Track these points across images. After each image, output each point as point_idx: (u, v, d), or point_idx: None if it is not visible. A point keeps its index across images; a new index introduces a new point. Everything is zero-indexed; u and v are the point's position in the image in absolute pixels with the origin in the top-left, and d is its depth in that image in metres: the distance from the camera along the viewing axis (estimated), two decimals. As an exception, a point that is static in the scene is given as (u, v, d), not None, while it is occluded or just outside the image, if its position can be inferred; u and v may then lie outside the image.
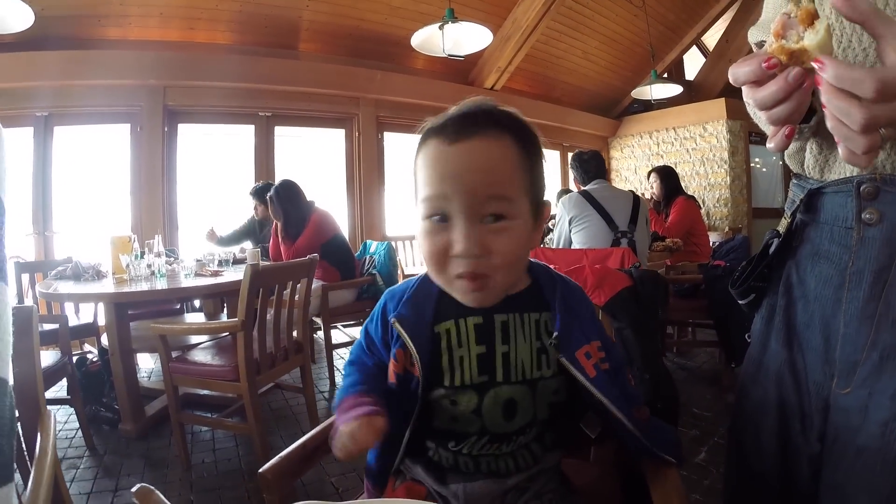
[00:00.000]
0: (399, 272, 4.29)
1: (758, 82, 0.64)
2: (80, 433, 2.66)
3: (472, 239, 0.73)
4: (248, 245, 4.59)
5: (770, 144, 0.70)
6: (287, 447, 0.89)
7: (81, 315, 3.59)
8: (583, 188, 3.20)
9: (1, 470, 0.42)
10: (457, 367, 0.83)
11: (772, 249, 0.90)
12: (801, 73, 0.61)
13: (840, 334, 0.77)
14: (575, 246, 3.04)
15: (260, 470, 0.87)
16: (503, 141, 0.77)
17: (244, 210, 4.80)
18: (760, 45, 0.94)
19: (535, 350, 0.83)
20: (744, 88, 0.68)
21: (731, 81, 0.68)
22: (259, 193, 4.51)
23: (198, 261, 3.29)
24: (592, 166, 3.20)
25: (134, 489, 0.48)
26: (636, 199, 3.11)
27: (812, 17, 0.60)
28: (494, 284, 0.78)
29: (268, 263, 2.44)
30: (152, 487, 0.47)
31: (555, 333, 0.81)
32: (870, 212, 0.74)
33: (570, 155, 7.69)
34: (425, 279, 0.88)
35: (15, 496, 0.44)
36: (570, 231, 3.07)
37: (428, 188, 0.76)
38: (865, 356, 0.74)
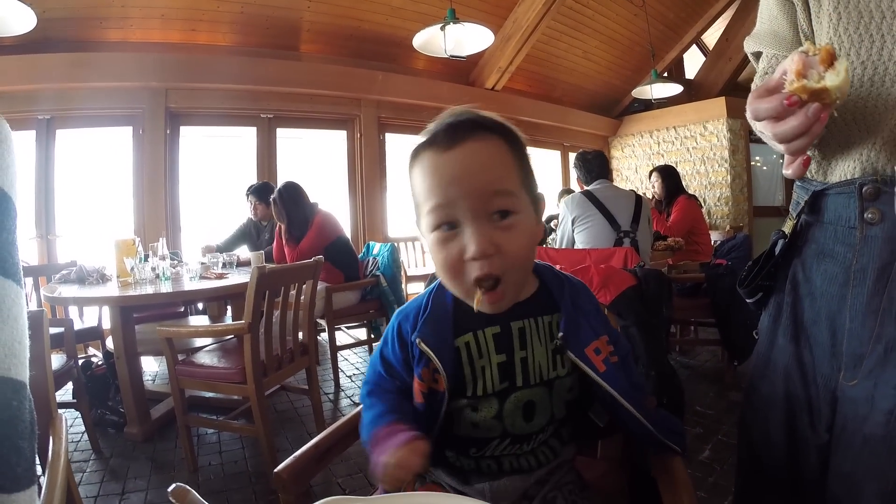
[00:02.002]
0: (402, 274, 4.30)
1: (777, 117, 0.69)
2: (85, 437, 2.67)
3: (484, 238, 0.73)
4: (244, 249, 4.47)
5: (787, 171, 0.75)
6: (293, 449, 0.90)
7: (85, 319, 3.60)
8: (586, 188, 3.21)
9: (24, 473, 0.42)
10: (479, 378, 0.84)
11: (778, 249, 0.92)
12: (819, 109, 0.65)
13: (846, 329, 0.80)
14: (578, 246, 3.05)
15: (276, 469, 0.88)
16: (493, 140, 0.77)
17: (245, 213, 4.71)
18: (757, 55, 0.98)
19: (550, 351, 0.85)
20: (760, 122, 0.72)
21: (749, 117, 0.72)
22: (258, 192, 4.44)
23: (202, 263, 3.30)
24: (596, 166, 3.21)
25: (170, 489, 0.48)
26: (638, 199, 3.13)
27: (832, 58, 0.62)
28: (507, 287, 0.78)
29: (274, 266, 2.45)
30: (188, 487, 0.48)
31: (559, 334, 0.84)
32: (871, 211, 0.77)
33: (570, 155, 7.75)
34: (437, 294, 0.89)
35: (37, 499, 0.45)
36: (574, 231, 3.08)
37: (433, 198, 0.76)
38: (871, 349, 0.77)
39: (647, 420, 0.84)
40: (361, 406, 0.94)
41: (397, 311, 0.94)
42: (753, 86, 0.96)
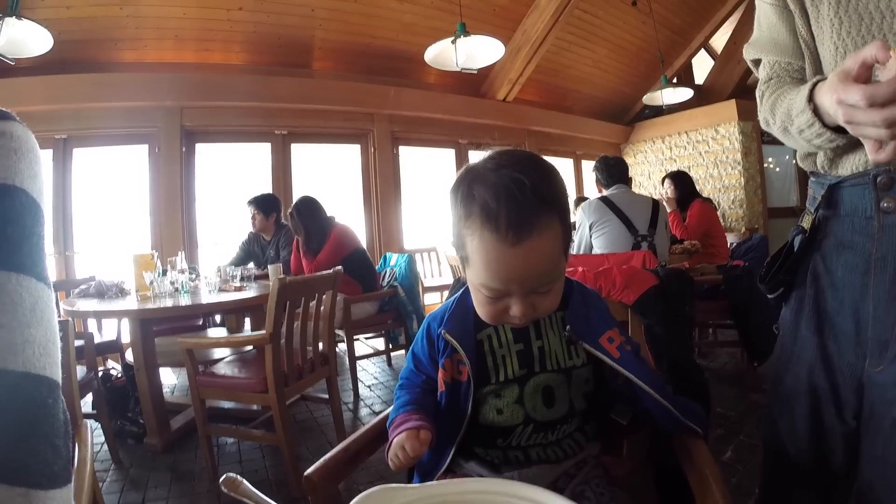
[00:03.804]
0: (419, 284, 4.30)
1: (884, 102, 0.64)
2: (105, 447, 2.68)
3: (529, 307, 0.81)
4: (252, 266, 4.28)
5: (881, 157, 0.69)
6: (314, 458, 0.91)
7: (104, 333, 3.63)
8: (603, 193, 3.21)
9: (60, 471, 0.42)
10: (500, 366, 0.93)
11: (797, 244, 0.95)
12: None
13: (870, 316, 0.82)
14: (595, 251, 3.05)
15: (306, 473, 0.88)
16: (553, 226, 0.79)
17: (245, 229, 4.57)
18: (756, 62, 1.01)
19: (565, 342, 0.93)
20: (861, 110, 0.66)
21: (864, 102, 0.65)
22: (259, 202, 4.34)
23: (220, 277, 3.32)
24: (617, 171, 3.22)
25: (222, 479, 0.49)
26: (655, 204, 3.12)
27: None
28: (538, 319, 0.90)
29: (295, 277, 2.46)
30: (239, 477, 0.49)
31: (567, 326, 0.91)
32: (887, 201, 0.80)
33: (583, 163, 7.75)
34: (462, 296, 0.97)
35: (73, 499, 0.45)
36: (591, 236, 3.08)
37: (489, 282, 0.80)
38: (895, 335, 0.79)
39: (667, 401, 0.88)
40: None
41: (428, 315, 1.03)
42: (758, 93, 0.99)
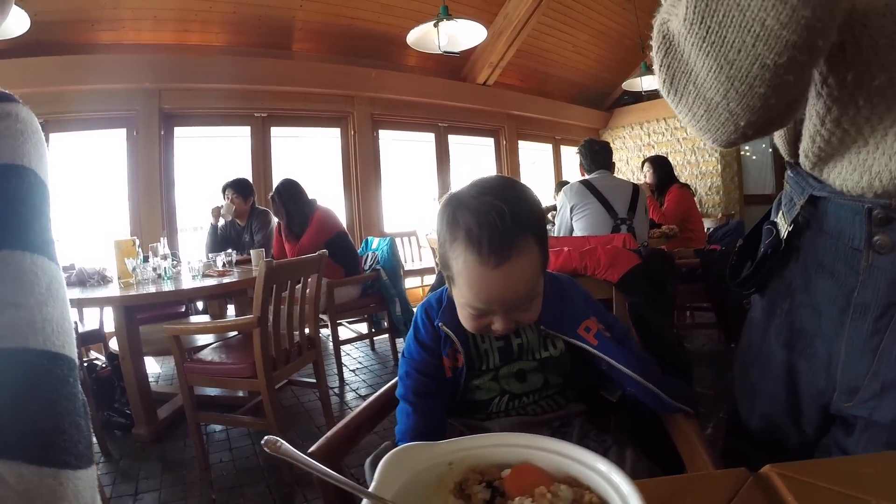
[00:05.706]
0: (401, 268, 4.32)
1: None
2: (93, 439, 2.67)
3: (510, 324, 0.88)
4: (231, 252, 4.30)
5: None
6: (303, 443, 0.94)
7: (86, 322, 3.59)
8: (585, 176, 3.25)
9: (84, 451, 0.42)
10: (483, 358, 1.03)
11: (770, 250, 0.85)
12: None
13: (841, 360, 0.75)
14: (576, 233, 3.09)
15: (309, 450, 0.90)
16: (531, 248, 0.85)
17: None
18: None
19: (542, 336, 1.03)
20: None
21: None
22: (236, 186, 4.28)
23: (203, 262, 3.30)
24: (601, 157, 3.25)
25: (263, 441, 0.52)
26: (635, 188, 3.17)
27: None
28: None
29: (281, 260, 2.46)
30: (279, 438, 0.51)
31: (541, 326, 0.99)
32: (881, 236, 0.68)
33: (562, 148, 7.76)
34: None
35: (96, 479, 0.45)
36: (572, 219, 3.12)
37: (474, 302, 0.86)
38: (866, 384, 0.73)
39: (651, 382, 0.93)
40: (398, 411, 1.05)
41: (421, 303, 1.09)
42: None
